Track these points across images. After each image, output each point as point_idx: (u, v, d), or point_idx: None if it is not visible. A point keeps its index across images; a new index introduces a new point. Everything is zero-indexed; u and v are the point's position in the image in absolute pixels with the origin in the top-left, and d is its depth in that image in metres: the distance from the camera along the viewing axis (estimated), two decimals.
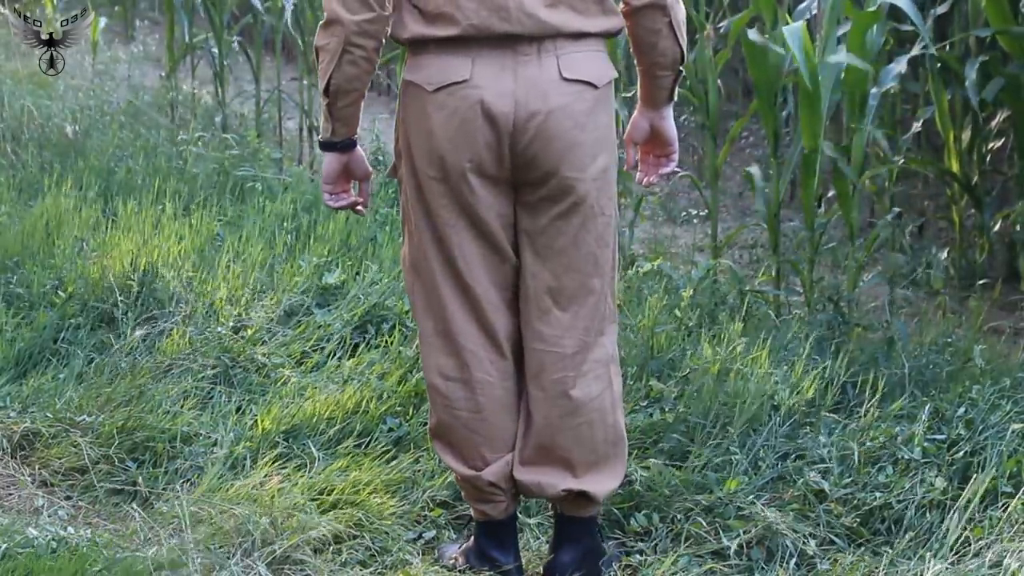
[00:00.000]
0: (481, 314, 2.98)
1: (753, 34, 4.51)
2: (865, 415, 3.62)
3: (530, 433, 3.02)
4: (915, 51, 4.90)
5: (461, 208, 2.92)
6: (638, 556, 3.20)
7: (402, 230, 3.08)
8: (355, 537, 3.18)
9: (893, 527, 3.23)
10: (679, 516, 3.29)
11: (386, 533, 3.20)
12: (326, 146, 3.00)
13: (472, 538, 3.14)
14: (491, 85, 2.84)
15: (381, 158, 6.14)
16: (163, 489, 3.34)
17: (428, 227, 2.96)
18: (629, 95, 5.03)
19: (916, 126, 5.51)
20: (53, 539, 2.94)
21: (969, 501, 3.19)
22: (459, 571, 3.09)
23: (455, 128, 2.86)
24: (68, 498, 3.36)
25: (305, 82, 6.85)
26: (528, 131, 2.86)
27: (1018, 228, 5.10)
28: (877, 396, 3.71)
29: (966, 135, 5.36)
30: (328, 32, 2.85)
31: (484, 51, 2.85)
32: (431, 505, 3.36)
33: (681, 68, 3.01)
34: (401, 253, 3.10)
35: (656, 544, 3.23)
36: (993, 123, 5.43)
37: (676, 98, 3.07)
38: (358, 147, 3.03)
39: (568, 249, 2.95)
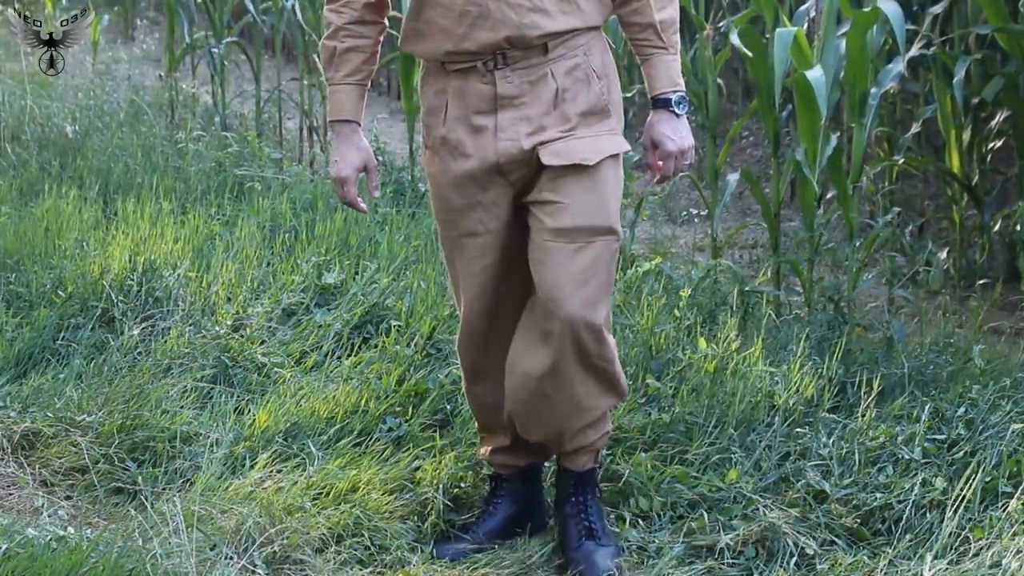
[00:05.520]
0: None
1: (735, 39, 4.53)
2: (864, 415, 3.62)
3: None
4: (913, 51, 4.90)
5: None
6: (636, 554, 3.21)
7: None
8: (354, 536, 3.18)
9: (893, 527, 3.23)
10: (682, 506, 3.30)
11: (385, 531, 3.20)
12: None
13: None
14: None
15: (381, 157, 6.14)
16: (163, 488, 3.34)
17: None
18: None
19: (916, 126, 5.51)
20: (53, 539, 2.94)
21: (969, 501, 3.19)
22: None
23: None
24: (68, 498, 3.36)
25: (305, 82, 6.85)
26: None
27: (1018, 228, 5.09)
28: (873, 396, 3.71)
29: (966, 135, 5.36)
30: None
31: None
32: (431, 503, 3.35)
33: None
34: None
35: (656, 537, 3.24)
36: (993, 123, 5.42)
37: None
38: None
39: None
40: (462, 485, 3.41)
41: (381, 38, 3.18)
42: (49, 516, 3.20)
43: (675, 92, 3.10)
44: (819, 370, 3.88)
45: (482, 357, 3.22)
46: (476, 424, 3.37)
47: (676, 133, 3.10)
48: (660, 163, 3.13)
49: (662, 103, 3.11)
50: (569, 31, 3.01)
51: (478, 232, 3.09)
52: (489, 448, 3.32)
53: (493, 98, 3.02)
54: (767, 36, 4.60)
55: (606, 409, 3.19)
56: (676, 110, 3.09)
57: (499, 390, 3.21)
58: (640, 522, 3.30)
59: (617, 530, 3.26)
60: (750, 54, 4.50)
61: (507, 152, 3.02)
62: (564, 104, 3.02)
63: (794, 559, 3.13)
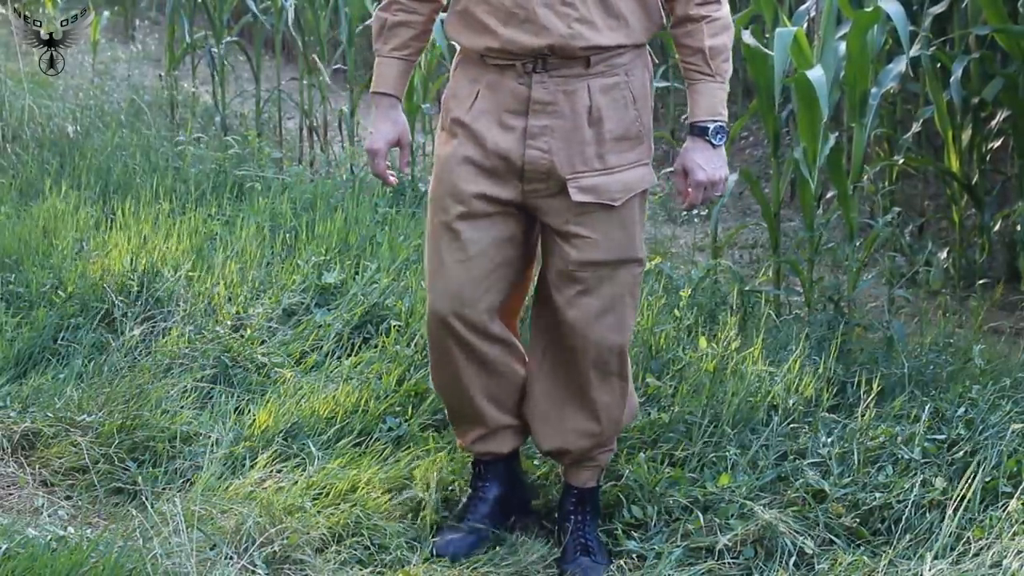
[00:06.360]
0: None
1: (747, 36, 4.51)
2: (864, 415, 3.62)
3: None
4: (913, 51, 4.90)
5: None
6: (635, 558, 3.21)
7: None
8: (354, 535, 3.19)
9: (893, 527, 3.23)
10: (676, 510, 3.30)
11: (385, 531, 3.20)
12: None
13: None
14: None
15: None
16: (163, 488, 3.35)
17: None
18: None
19: (916, 126, 5.51)
20: (53, 539, 2.94)
21: (969, 501, 3.19)
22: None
23: None
24: (68, 498, 3.36)
25: (305, 82, 6.84)
26: None
27: (1018, 228, 5.10)
28: (873, 395, 3.71)
29: (966, 135, 5.37)
30: None
31: None
32: (425, 506, 3.35)
33: None
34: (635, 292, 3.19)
35: (654, 545, 3.24)
36: (993, 123, 5.43)
37: None
38: None
39: None
40: (453, 488, 3.41)
41: (436, 16, 3.18)
42: (49, 516, 3.20)
43: (714, 121, 3.06)
44: (818, 370, 3.88)
45: (456, 347, 3.16)
46: (447, 415, 3.37)
47: (709, 164, 3.06)
48: (689, 191, 3.12)
49: (699, 131, 3.08)
50: (614, 47, 3.00)
51: (478, 216, 3.07)
52: (467, 440, 3.33)
53: (526, 100, 3.02)
54: (767, 36, 4.60)
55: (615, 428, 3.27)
56: (713, 140, 3.06)
57: (471, 376, 3.19)
58: (635, 532, 3.30)
59: (617, 547, 3.26)
60: (765, 50, 4.46)
61: (534, 161, 3.03)
62: (599, 123, 3.02)
63: (793, 559, 3.14)
